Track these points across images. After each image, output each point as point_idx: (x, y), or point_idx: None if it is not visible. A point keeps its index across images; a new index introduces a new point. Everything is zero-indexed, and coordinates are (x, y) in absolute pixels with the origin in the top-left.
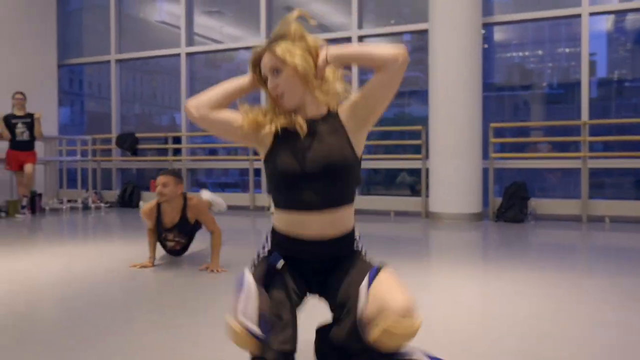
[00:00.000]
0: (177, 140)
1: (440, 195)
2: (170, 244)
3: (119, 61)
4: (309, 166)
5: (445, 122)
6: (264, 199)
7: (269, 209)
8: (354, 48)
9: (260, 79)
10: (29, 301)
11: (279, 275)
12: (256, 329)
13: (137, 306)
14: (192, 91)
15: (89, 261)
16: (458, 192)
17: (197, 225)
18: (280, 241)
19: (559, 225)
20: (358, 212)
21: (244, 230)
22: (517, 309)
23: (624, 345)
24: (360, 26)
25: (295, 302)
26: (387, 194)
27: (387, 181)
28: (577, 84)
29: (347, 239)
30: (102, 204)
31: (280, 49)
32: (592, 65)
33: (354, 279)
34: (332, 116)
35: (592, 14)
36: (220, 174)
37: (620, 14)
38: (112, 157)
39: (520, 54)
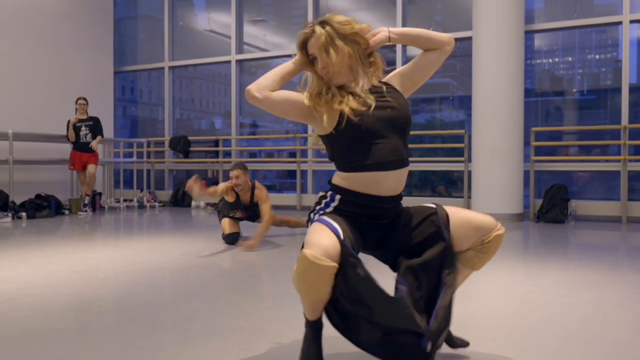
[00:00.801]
0: (226, 143)
1: (482, 196)
2: (237, 214)
3: (172, 68)
4: (399, 118)
5: (487, 126)
6: (310, 199)
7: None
8: (414, 29)
9: (307, 60)
10: (124, 284)
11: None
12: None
13: (219, 290)
14: (227, 96)
15: (159, 253)
16: (500, 194)
17: (257, 206)
18: (351, 200)
19: (599, 226)
20: None
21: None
22: (560, 301)
23: None
24: None
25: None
26: (423, 195)
27: (421, 184)
28: (608, 90)
29: (402, 194)
30: (156, 203)
31: (329, 28)
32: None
33: (420, 220)
34: (383, 85)
35: (632, 22)
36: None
37: None
38: (165, 159)
39: (550, 60)
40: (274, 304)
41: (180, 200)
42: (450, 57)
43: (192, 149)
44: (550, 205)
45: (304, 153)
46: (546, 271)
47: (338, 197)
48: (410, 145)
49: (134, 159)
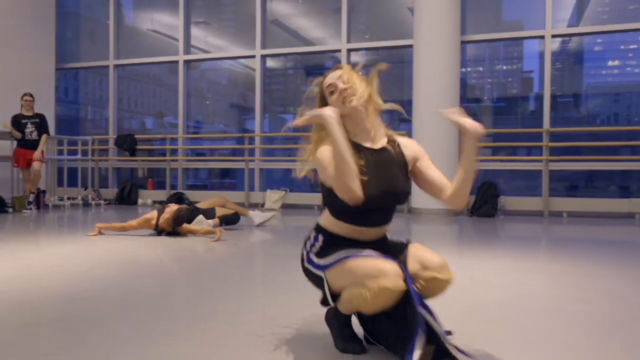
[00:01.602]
0: (173, 142)
1: (422, 193)
2: None
3: (117, 66)
4: (391, 192)
5: (427, 128)
6: (256, 196)
7: (262, 205)
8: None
9: (323, 104)
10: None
11: None
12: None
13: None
14: (161, 97)
15: (125, 247)
16: None
17: None
18: (335, 240)
19: (525, 220)
20: None
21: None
22: (493, 282)
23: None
24: (348, 40)
25: None
26: None
27: None
28: (518, 98)
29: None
30: (102, 201)
31: (347, 67)
32: (530, 81)
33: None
34: (393, 146)
35: (554, 36)
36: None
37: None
38: (110, 157)
39: (463, 69)
40: (266, 290)
41: (127, 198)
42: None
43: (138, 147)
44: (482, 202)
45: (251, 152)
46: (480, 260)
47: (321, 238)
48: None
49: (79, 156)
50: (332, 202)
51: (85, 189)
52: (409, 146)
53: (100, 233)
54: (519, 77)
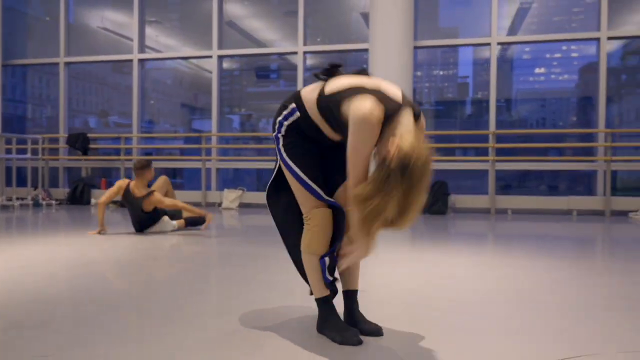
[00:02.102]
0: (127, 141)
1: None
2: None
3: (67, 64)
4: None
5: None
6: (213, 195)
7: (220, 204)
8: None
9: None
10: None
11: None
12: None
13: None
14: (103, 96)
15: (91, 248)
16: None
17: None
18: (303, 123)
19: (473, 217)
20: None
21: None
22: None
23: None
24: (305, 43)
25: None
26: None
27: None
28: (454, 102)
29: None
30: (53, 201)
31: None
32: (466, 86)
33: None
34: None
35: (499, 43)
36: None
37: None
38: (60, 156)
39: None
40: (247, 289)
41: (79, 198)
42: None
43: (91, 146)
44: (434, 200)
45: (207, 152)
46: (431, 254)
47: (297, 114)
48: None
49: (29, 155)
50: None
51: (35, 189)
52: None
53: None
54: (455, 83)
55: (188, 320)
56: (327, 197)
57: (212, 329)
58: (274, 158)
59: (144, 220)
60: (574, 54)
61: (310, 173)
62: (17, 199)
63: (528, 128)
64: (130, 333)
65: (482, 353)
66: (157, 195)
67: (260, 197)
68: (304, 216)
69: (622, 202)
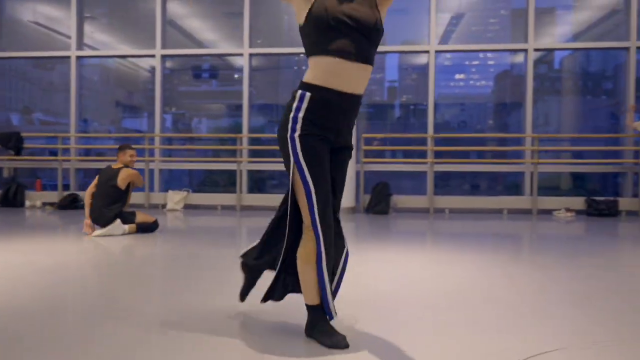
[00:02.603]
0: (65, 141)
1: None
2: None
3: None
4: (363, 20)
5: None
6: (156, 197)
7: (164, 206)
8: None
9: None
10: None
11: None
12: None
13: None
14: (24, 92)
15: (41, 254)
16: None
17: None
18: (318, 102)
19: (413, 216)
20: (258, 208)
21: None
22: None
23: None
24: (250, 45)
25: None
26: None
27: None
28: (386, 105)
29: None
30: None
31: None
32: (394, 90)
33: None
34: None
35: (437, 52)
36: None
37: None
38: None
39: None
40: (205, 288)
41: (12, 200)
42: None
43: (26, 145)
44: (377, 200)
45: (151, 152)
46: (375, 253)
47: (308, 95)
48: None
49: None
50: (306, 41)
51: None
52: None
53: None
54: (384, 87)
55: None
56: (319, 223)
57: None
58: (215, 159)
59: (111, 196)
60: (491, 62)
61: (322, 192)
62: None
63: (450, 131)
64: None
65: (459, 352)
66: (132, 171)
67: (206, 197)
68: (304, 224)
69: (546, 202)
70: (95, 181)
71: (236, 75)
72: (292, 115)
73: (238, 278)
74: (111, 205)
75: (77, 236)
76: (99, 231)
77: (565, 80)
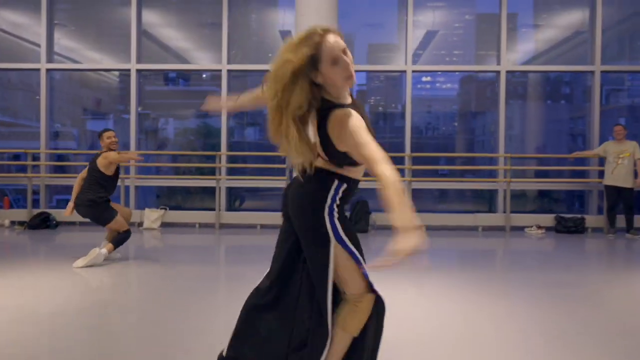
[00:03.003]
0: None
1: None
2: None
3: None
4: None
5: None
6: (134, 214)
7: (140, 224)
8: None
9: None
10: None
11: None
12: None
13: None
14: None
15: (33, 291)
16: None
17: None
18: (348, 190)
19: (392, 234)
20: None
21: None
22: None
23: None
24: (229, 61)
25: None
26: (254, 208)
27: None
28: None
29: None
30: None
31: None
32: (363, 94)
33: None
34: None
35: (414, 72)
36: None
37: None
38: None
39: None
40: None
41: None
42: None
43: None
44: (357, 218)
45: (126, 169)
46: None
47: (344, 186)
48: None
49: None
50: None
51: None
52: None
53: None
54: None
55: None
56: (371, 281)
57: None
58: (193, 177)
59: (98, 182)
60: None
61: (360, 252)
62: None
63: (419, 134)
64: None
65: None
66: (110, 153)
67: (184, 215)
68: (351, 294)
69: (519, 218)
70: (86, 168)
71: (204, 75)
72: (328, 204)
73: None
74: (99, 192)
75: (53, 264)
76: (80, 261)
77: (531, 87)
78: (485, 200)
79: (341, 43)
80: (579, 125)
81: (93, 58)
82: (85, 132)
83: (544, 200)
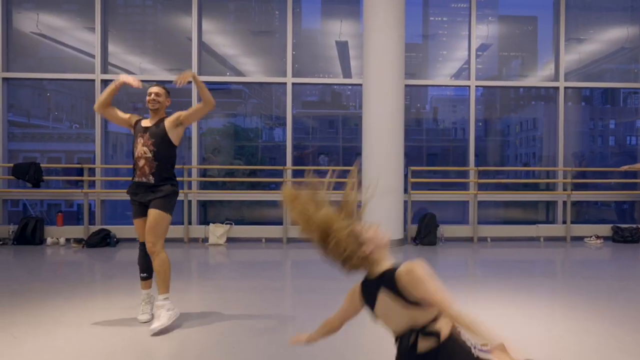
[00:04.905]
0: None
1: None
2: (139, 151)
3: (6, 79)
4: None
5: (376, 164)
6: (195, 230)
7: (205, 240)
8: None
9: None
10: None
11: None
12: None
13: None
14: None
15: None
16: (385, 222)
17: (168, 140)
18: None
19: (460, 245)
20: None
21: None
22: None
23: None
24: (293, 75)
25: None
26: None
27: None
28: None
29: None
30: None
31: None
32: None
33: None
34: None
35: (477, 87)
36: None
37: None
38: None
39: None
40: None
41: (30, 237)
42: None
43: (45, 177)
44: (427, 231)
45: (189, 184)
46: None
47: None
48: None
49: None
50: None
51: None
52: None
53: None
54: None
55: None
56: None
57: None
58: (260, 192)
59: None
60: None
61: None
62: None
63: (452, 137)
64: None
65: None
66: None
67: (249, 230)
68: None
69: (578, 229)
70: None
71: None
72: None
73: None
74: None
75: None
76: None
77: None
78: (544, 210)
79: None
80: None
81: (146, 68)
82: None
83: (599, 211)
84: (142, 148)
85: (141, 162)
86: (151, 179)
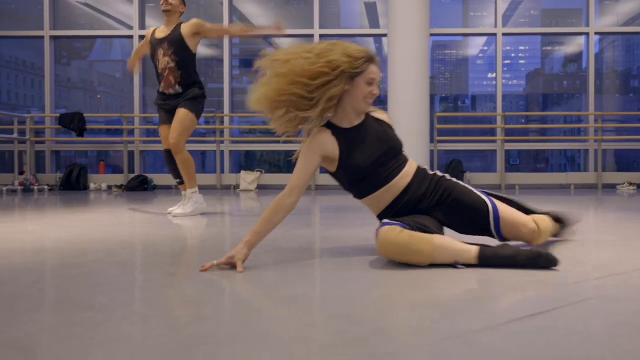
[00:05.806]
0: (129, 121)
1: None
2: (161, 63)
3: (53, 37)
4: (368, 165)
5: (404, 113)
6: (228, 177)
7: (236, 187)
8: None
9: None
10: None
11: None
12: None
13: None
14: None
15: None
16: None
17: (187, 47)
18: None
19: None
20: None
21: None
22: None
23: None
24: (321, 26)
25: None
26: None
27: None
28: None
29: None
30: (45, 186)
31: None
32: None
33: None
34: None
35: (504, 34)
36: None
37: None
38: (47, 138)
39: None
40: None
41: (75, 183)
42: None
43: (88, 127)
44: (452, 176)
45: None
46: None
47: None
48: None
49: (15, 135)
50: (348, 187)
51: (21, 174)
52: (378, 113)
53: None
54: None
55: None
56: None
57: None
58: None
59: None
60: (522, 61)
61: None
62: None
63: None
64: None
65: None
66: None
67: (279, 177)
68: None
69: (610, 176)
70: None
71: None
72: None
73: None
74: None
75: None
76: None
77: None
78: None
79: (380, 75)
80: None
81: None
82: None
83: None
84: (164, 59)
85: (165, 73)
86: (178, 88)
